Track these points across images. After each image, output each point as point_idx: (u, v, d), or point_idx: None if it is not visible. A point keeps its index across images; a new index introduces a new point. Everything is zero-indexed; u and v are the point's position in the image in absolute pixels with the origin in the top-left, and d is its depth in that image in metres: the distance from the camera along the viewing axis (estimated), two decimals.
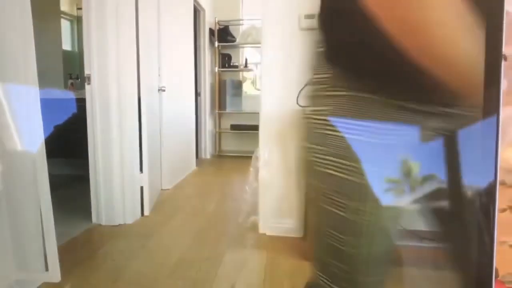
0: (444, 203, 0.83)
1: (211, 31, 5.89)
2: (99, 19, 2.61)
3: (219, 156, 6.22)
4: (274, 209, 2.62)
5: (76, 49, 4.77)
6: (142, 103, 2.91)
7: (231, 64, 6.18)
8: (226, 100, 6.10)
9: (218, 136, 6.31)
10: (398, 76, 0.64)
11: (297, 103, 2.44)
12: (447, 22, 0.52)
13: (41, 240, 1.85)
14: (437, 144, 0.76)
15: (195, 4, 5.12)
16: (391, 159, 0.75)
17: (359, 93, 0.72)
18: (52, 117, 3.31)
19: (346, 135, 0.74)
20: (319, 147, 0.80)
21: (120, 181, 2.79)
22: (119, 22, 2.65)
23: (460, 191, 0.76)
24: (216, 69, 6.08)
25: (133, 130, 2.84)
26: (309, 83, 0.88)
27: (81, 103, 2.94)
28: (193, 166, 5.07)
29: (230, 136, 6.36)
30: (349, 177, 0.73)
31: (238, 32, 6.12)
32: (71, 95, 3.40)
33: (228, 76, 6.26)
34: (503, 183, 0.73)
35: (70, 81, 4.37)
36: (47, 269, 1.88)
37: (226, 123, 6.34)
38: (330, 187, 0.78)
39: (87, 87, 2.69)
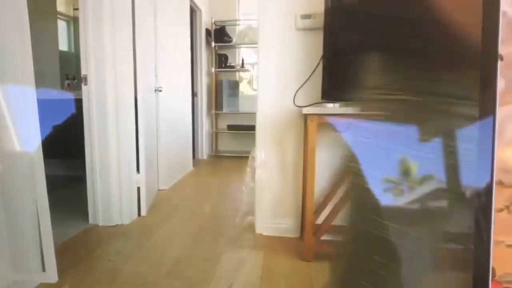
0: (442, 203, 0.84)
1: (208, 31, 5.88)
2: (96, 19, 2.61)
3: (216, 156, 6.22)
4: (271, 209, 2.62)
5: (72, 49, 4.76)
6: (138, 103, 2.91)
7: (228, 64, 6.18)
8: (223, 101, 6.09)
9: (215, 137, 6.31)
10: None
11: (294, 103, 2.45)
12: None
13: (38, 241, 1.85)
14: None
15: (192, 4, 5.12)
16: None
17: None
18: (50, 117, 3.31)
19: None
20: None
21: (117, 181, 2.79)
22: (115, 22, 2.65)
23: (458, 191, 0.76)
24: (213, 69, 6.07)
25: (130, 130, 2.83)
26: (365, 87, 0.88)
27: (77, 103, 2.94)
28: (190, 166, 5.07)
29: (227, 136, 6.36)
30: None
31: (235, 32, 6.12)
32: (70, 95, 3.39)
33: (225, 76, 6.25)
34: (500, 183, 0.73)
35: (66, 81, 4.36)
36: (44, 270, 1.88)
37: (223, 123, 6.34)
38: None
39: (83, 87, 2.68)
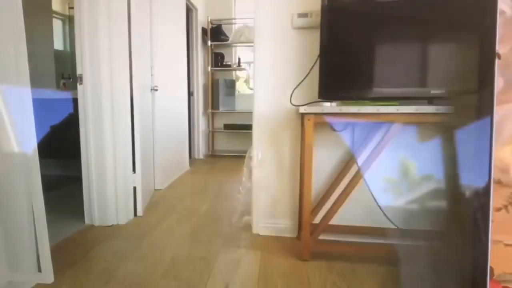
0: (441, 203, 0.84)
1: (204, 30, 5.88)
2: (91, 18, 2.60)
3: (212, 156, 6.21)
4: (267, 209, 2.62)
5: (68, 48, 4.74)
6: (134, 103, 2.90)
7: (224, 63, 6.18)
8: (219, 100, 6.09)
9: (211, 136, 6.31)
10: None
11: (291, 102, 2.44)
12: None
13: (33, 241, 1.84)
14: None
15: (188, 3, 5.11)
16: None
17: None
18: (46, 117, 3.29)
19: None
20: None
21: (113, 181, 2.78)
22: (111, 21, 2.64)
23: (456, 190, 0.76)
24: (209, 68, 6.07)
25: (126, 130, 2.82)
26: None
27: (73, 103, 2.93)
28: (186, 166, 5.06)
29: (224, 135, 6.36)
30: None
31: (231, 31, 6.12)
32: (67, 95, 3.38)
33: (221, 75, 6.25)
34: (498, 182, 0.73)
35: (62, 81, 4.35)
36: (40, 270, 1.87)
37: (219, 123, 6.34)
38: None
39: (79, 87, 2.67)
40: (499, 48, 0.75)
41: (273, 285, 1.94)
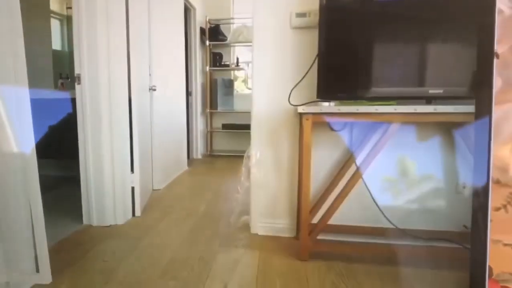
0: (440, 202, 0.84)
1: (202, 30, 5.87)
2: (89, 18, 2.59)
3: (211, 155, 6.21)
4: (266, 208, 2.61)
5: (66, 48, 4.73)
6: (132, 102, 2.89)
7: (222, 63, 6.18)
8: (218, 99, 6.08)
9: (209, 136, 6.30)
10: None
11: (289, 102, 2.44)
12: None
13: (31, 241, 1.84)
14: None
15: (186, 2, 5.11)
16: None
17: None
18: (44, 117, 3.28)
19: None
20: None
21: (111, 181, 2.77)
22: (109, 21, 2.63)
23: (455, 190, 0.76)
24: (207, 68, 6.06)
25: (124, 130, 2.82)
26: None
27: (71, 103, 2.92)
28: (184, 166, 5.06)
29: (222, 135, 6.35)
30: None
31: (229, 31, 6.11)
32: (66, 95, 3.37)
33: (219, 75, 6.25)
34: (497, 182, 0.73)
35: (60, 81, 4.33)
36: (37, 271, 1.87)
37: (218, 123, 6.34)
38: None
39: (77, 87, 2.66)
40: (498, 47, 0.75)
41: (271, 285, 1.94)
